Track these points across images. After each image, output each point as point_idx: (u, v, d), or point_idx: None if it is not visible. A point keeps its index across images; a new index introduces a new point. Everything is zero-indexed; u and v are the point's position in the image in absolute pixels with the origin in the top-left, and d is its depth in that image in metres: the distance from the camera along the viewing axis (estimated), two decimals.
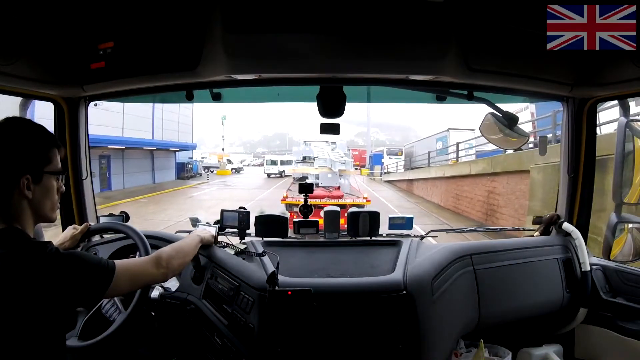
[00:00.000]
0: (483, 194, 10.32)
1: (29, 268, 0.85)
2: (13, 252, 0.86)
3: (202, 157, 35.91)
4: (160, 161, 22.25)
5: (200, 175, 26.65)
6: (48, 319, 0.88)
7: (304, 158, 12.74)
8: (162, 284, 1.51)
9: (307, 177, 11.23)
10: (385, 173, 25.56)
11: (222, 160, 32.52)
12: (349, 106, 1.60)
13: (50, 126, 1.02)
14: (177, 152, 24.28)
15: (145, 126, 19.62)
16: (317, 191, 9.46)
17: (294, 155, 15.16)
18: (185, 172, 25.06)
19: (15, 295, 0.83)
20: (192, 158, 28.05)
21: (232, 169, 32.44)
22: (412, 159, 22.82)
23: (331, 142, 13.29)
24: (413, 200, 15.46)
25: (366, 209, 1.84)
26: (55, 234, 1.50)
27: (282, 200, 8.88)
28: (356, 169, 19.65)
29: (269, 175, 26.90)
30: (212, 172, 29.22)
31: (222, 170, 30.14)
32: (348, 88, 1.53)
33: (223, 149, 33.64)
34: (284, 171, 24.93)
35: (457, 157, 14.56)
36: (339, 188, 10.81)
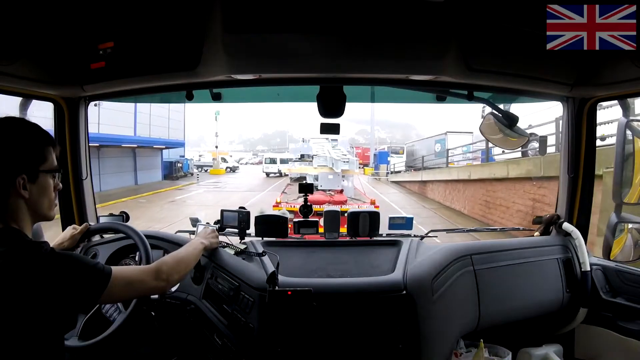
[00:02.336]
0: (525, 203, 8.17)
1: (23, 267, 0.85)
2: (8, 252, 0.86)
3: (200, 155, 34.85)
4: (144, 160, 20.06)
5: (192, 174, 24.95)
6: (43, 318, 0.87)
7: (302, 156, 11.71)
8: None
9: (304, 178, 10.36)
10: (391, 173, 24.12)
11: (216, 158, 30.66)
12: (350, 104, 1.60)
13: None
14: (163, 150, 22.29)
15: (126, 121, 17.35)
16: (316, 195, 8.11)
17: (290, 153, 13.98)
18: (174, 171, 23.06)
19: (9, 294, 0.83)
20: (183, 156, 26.08)
21: (227, 167, 30.83)
22: (414, 158, 21.78)
23: (332, 140, 12.32)
24: (429, 205, 13.42)
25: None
26: (56, 233, 1.50)
27: (274, 206, 7.61)
28: (359, 167, 18.31)
29: (267, 174, 25.78)
30: (205, 171, 27.97)
31: (215, 169, 28.49)
32: (348, 88, 1.53)
33: (217, 147, 31.75)
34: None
35: (487, 156, 11.78)
36: (341, 192, 9.58)
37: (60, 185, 1.03)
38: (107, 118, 15.46)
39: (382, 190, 17.84)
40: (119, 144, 17.07)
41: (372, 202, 8.26)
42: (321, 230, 1.82)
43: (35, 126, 0.97)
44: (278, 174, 24.99)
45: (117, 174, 17.07)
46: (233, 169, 31.76)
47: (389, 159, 26.58)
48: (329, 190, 9.56)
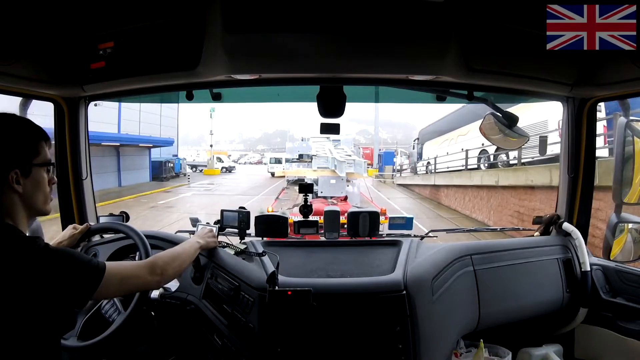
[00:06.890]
0: None
1: (16, 262, 0.85)
2: (1, 247, 0.86)
3: (198, 154, 34.34)
4: (129, 159, 18.59)
5: (184, 175, 23.72)
6: (37, 314, 0.87)
7: (300, 156, 10.64)
8: None
9: (303, 181, 9.67)
10: (397, 171, 23.22)
11: (211, 157, 29.28)
12: (351, 104, 1.59)
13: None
14: (153, 149, 20.84)
15: (108, 117, 16.16)
16: (315, 204, 5.57)
17: (287, 153, 12.89)
18: (164, 172, 21.52)
19: (2, 290, 0.83)
20: (176, 155, 25.01)
21: (223, 167, 29.78)
22: (415, 161, 21.07)
23: (333, 140, 11.34)
24: (447, 215, 11.86)
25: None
26: (55, 233, 1.50)
27: None
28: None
29: (272, 174, 24.86)
30: (200, 171, 27.25)
31: (209, 169, 27.18)
32: (348, 88, 1.53)
33: (211, 145, 29.96)
34: None
35: (520, 158, 9.80)
36: (345, 199, 8.41)
37: (55, 179, 1.02)
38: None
39: (388, 194, 16.59)
40: (99, 142, 15.46)
41: (383, 212, 6.94)
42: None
43: (27, 121, 0.98)
44: (282, 175, 24.51)
45: (97, 175, 14.78)
46: (229, 169, 31.03)
47: (394, 159, 25.98)
48: (331, 197, 8.49)
